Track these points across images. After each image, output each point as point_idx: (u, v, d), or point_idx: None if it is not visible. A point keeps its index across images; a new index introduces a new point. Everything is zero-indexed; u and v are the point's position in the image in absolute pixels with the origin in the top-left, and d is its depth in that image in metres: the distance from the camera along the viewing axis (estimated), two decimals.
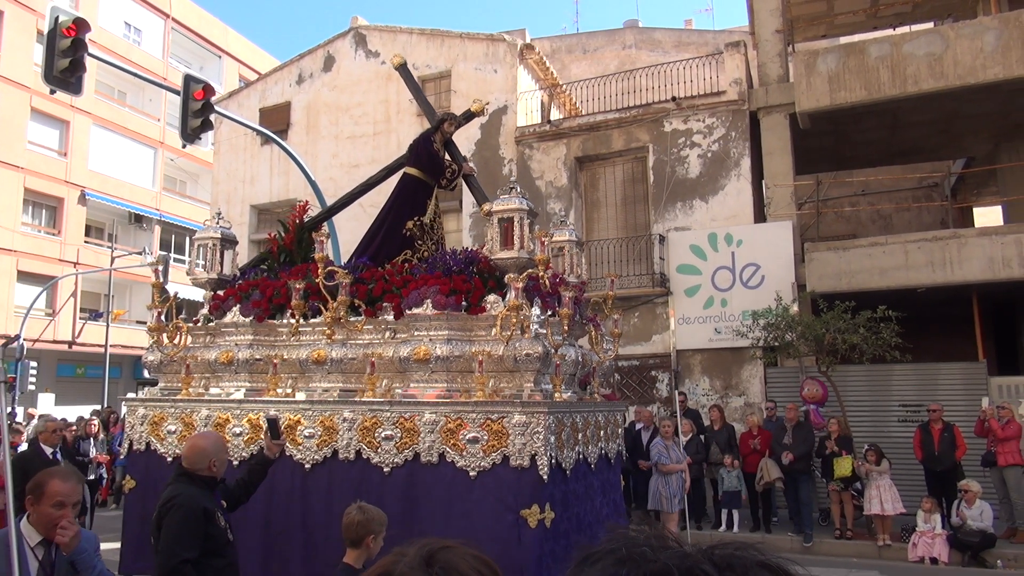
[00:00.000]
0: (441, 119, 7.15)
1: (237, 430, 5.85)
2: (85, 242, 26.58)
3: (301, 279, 5.94)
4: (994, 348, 14.22)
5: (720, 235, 13.78)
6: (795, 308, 12.27)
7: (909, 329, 10.94)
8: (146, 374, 28.46)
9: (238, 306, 6.34)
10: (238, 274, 7.00)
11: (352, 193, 8.12)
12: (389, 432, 5.24)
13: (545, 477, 4.79)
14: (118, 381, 26.59)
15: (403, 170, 7.15)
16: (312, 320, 5.97)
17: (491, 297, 5.57)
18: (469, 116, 7.65)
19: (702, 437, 11.21)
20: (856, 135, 15.03)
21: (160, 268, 6.72)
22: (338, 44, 18.91)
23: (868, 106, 13.24)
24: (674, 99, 14.94)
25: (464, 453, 4.99)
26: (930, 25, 16.62)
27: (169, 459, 6.01)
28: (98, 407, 20.94)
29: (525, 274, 5.36)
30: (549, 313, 5.68)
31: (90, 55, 9.85)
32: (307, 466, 5.49)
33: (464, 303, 5.53)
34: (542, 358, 5.13)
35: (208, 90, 11.18)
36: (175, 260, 28.23)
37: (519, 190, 5.78)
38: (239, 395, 6.06)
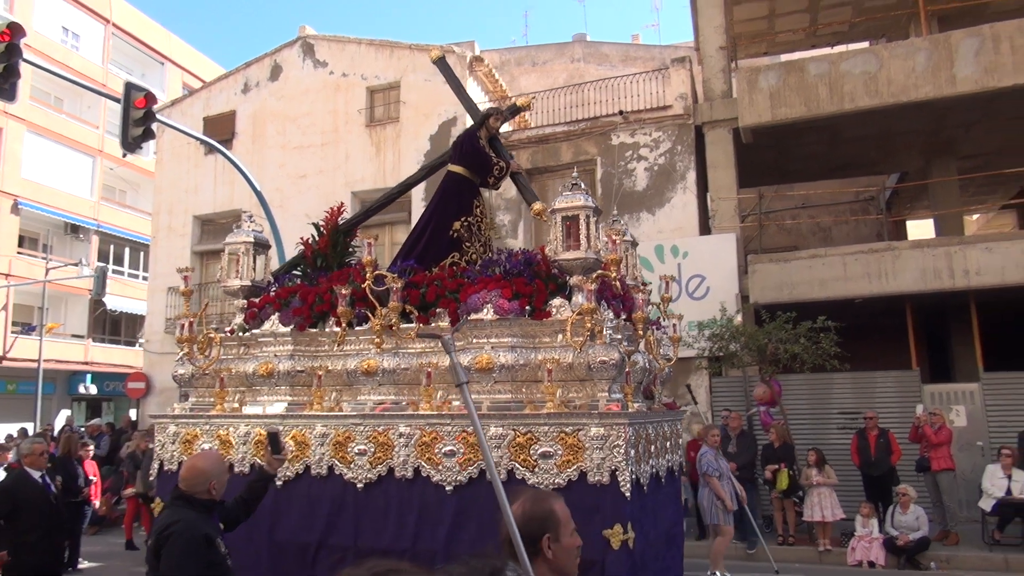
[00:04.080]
0: (486, 114, 6.78)
1: None
2: (18, 253, 25.63)
3: (346, 284, 5.58)
4: (927, 357, 14.76)
5: (666, 247, 14.04)
6: (739, 319, 12.56)
7: (847, 339, 11.31)
8: (81, 390, 27.49)
9: (277, 314, 5.92)
10: (272, 280, 6.61)
11: (391, 193, 7.81)
12: (451, 448, 4.90)
13: (628, 494, 4.46)
14: (51, 397, 25.66)
15: (447, 168, 6.74)
16: (357, 328, 5.57)
17: (556, 301, 5.21)
18: (515, 111, 7.29)
19: None
20: (797, 150, 15.50)
21: (188, 276, 6.23)
22: (285, 53, 18.73)
23: (808, 122, 13.68)
24: (621, 113, 15.19)
25: (536, 470, 4.67)
26: (865, 45, 17.26)
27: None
28: (29, 424, 20.18)
29: (596, 275, 5.01)
30: (623, 317, 5.39)
31: (25, 60, 9.58)
32: (359, 485, 5.15)
33: (528, 307, 5.20)
34: (618, 365, 4.82)
35: (150, 98, 10.96)
36: (114, 271, 27.44)
37: (583, 186, 5.40)
38: (280, 409, 5.66)
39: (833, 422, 12.27)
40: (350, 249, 6.97)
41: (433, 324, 5.39)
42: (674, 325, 6.23)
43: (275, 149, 18.27)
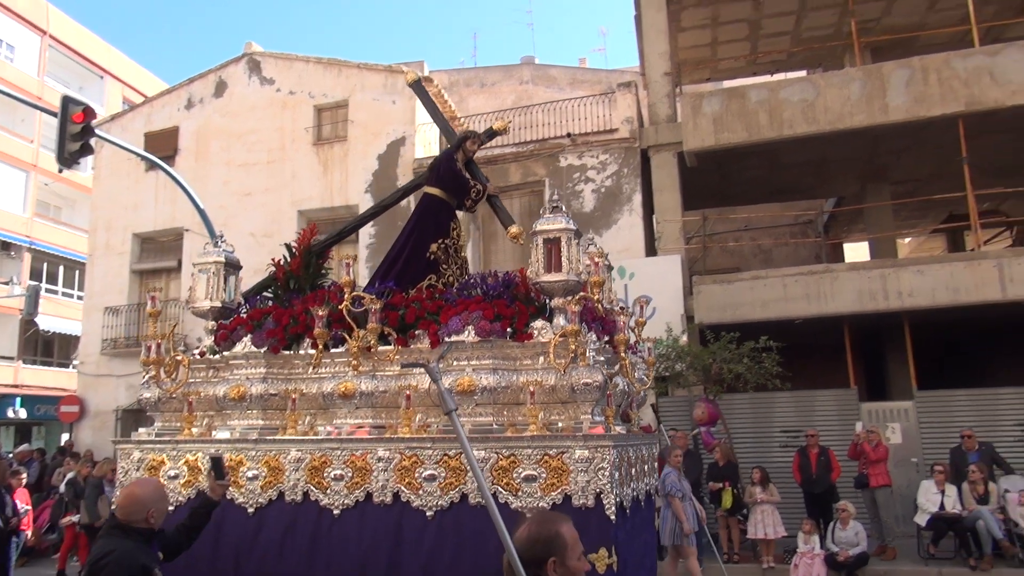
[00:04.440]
0: (463, 137, 6.78)
1: (252, 473, 5.31)
2: None
3: (323, 305, 5.49)
4: (864, 375, 15.21)
5: (613, 268, 14.18)
6: (684, 339, 12.75)
7: (789, 358, 11.59)
8: (9, 414, 26.28)
9: (249, 336, 5.79)
10: (242, 302, 6.46)
11: (364, 215, 7.73)
12: (431, 472, 4.85)
13: (613, 517, 4.45)
14: None
15: (424, 190, 6.72)
16: (333, 350, 5.51)
17: (538, 323, 5.21)
18: (492, 134, 7.31)
19: None
20: (739, 173, 15.90)
21: (155, 296, 6.03)
22: (231, 69, 18.47)
23: (749, 147, 14.06)
24: (569, 135, 15.39)
25: (519, 493, 4.63)
26: (803, 73, 17.88)
27: (171, 508, 5.56)
28: None
29: (578, 297, 5.03)
30: (606, 339, 5.39)
31: None
32: (336, 512, 5.04)
33: (509, 329, 5.17)
34: (601, 387, 4.83)
35: (88, 113, 10.67)
36: (47, 290, 26.45)
37: (564, 208, 5.45)
38: (252, 434, 5.51)
39: (776, 440, 12.52)
40: (322, 271, 6.89)
41: (413, 346, 5.37)
42: (648, 348, 6.27)
43: (219, 166, 17.94)
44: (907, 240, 23.59)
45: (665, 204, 14.46)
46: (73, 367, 23.62)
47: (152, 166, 16.63)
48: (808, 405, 12.71)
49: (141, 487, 3.74)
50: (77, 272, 27.41)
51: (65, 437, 19.58)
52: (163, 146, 18.09)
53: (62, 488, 12.21)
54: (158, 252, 18.72)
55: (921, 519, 10.22)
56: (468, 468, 4.71)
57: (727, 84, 18.74)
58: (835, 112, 13.35)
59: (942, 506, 10.04)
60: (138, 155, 14.70)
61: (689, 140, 13.98)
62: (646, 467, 5.67)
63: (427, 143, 17.01)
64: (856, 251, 21.25)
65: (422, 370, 5.24)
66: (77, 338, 21.43)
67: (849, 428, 11.74)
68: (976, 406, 12.22)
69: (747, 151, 14.38)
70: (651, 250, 14.82)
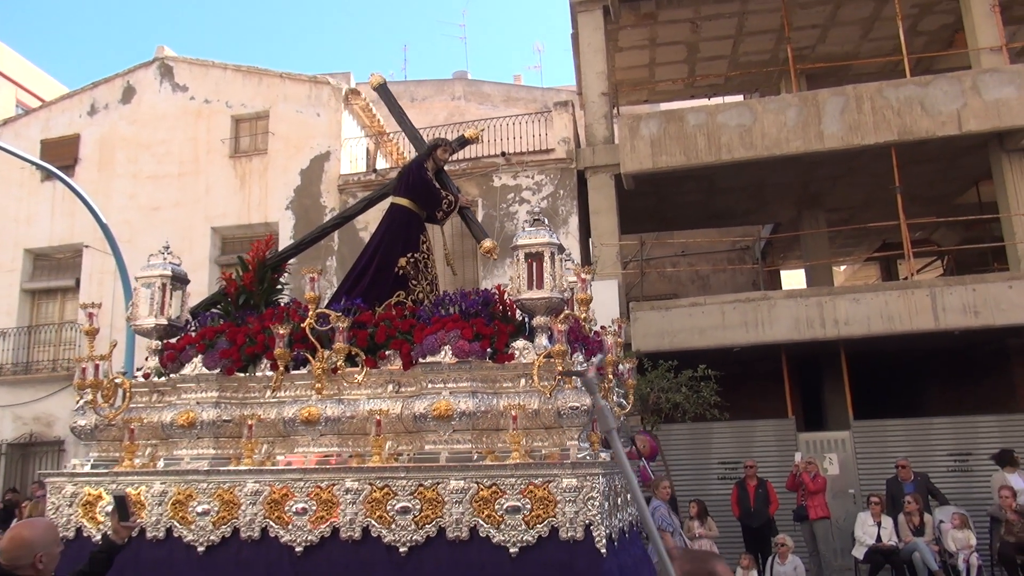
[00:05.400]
0: (433, 145, 6.69)
1: (202, 507, 5.03)
2: None
3: (283, 323, 5.28)
4: (801, 405, 15.66)
5: None
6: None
7: (727, 387, 11.82)
8: None
9: (200, 356, 5.55)
10: (190, 319, 6.21)
11: (325, 227, 7.55)
12: (405, 504, 4.71)
13: (604, 550, 4.35)
14: None
15: (391, 201, 6.59)
16: (294, 372, 5.32)
17: (519, 343, 5.14)
18: (463, 142, 7.21)
19: None
20: (677, 197, 16.28)
21: (94, 313, 5.69)
22: (140, 74, 17.95)
23: (687, 170, 14.43)
24: (504, 154, 15.49)
25: (502, 526, 4.52)
26: (740, 98, 18.52)
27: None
28: None
29: (565, 315, 4.94)
30: (593, 360, 5.31)
31: None
32: (298, 549, 4.84)
33: (489, 350, 5.07)
34: (589, 412, 4.69)
35: None
36: None
37: (546, 222, 5.36)
38: (203, 464, 5.23)
39: (714, 472, 12.72)
40: (278, 286, 6.71)
41: (384, 367, 5.26)
42: (628, 370, 6.20)
43: (125, 178, 17.35)
44: (842, 268, 24.55)
45: (602, 227, 14.66)
46: None
47: (49, 176, 15.95)
48: (747, 435, 12.98)
49: (29, 528, 3.49)
50: None
51: None
52: (62, 155, 17.37)
53: None
54: (53, 270, 17.90)
55: (859, 552, 10.50)
56: (633, 500, 4.50)
57: (664, 106, 19.26)
58: (772, 138, 13.84)
59: (879, 538, 10.33)
60: (33, 163, 14.08)
61: (627, 162, 14.25)
62: (628, 497, 5.65)
63: (354, 159, 16.86)
64: (793, 278, 21.98)
65: (392, 392, 5.19)
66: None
67: (787, 459, 12.03)
68: (911, 435, 12.73)
69: (685, 175, 14.75)
70: None
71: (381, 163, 17.95)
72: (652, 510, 8.54)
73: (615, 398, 5.97)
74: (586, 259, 15.24)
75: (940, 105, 13.43)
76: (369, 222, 13.69)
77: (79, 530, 5.39)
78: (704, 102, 17.76)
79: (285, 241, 14.74)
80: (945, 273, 18.63)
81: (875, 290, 13.64)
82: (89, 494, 5.42)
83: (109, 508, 5.17)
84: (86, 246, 16.92)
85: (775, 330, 13.05)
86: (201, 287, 12.34)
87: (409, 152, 17.12)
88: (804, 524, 11.02)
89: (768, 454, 12.57)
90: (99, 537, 5.11)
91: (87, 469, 5.60)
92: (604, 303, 13.95)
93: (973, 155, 14.37)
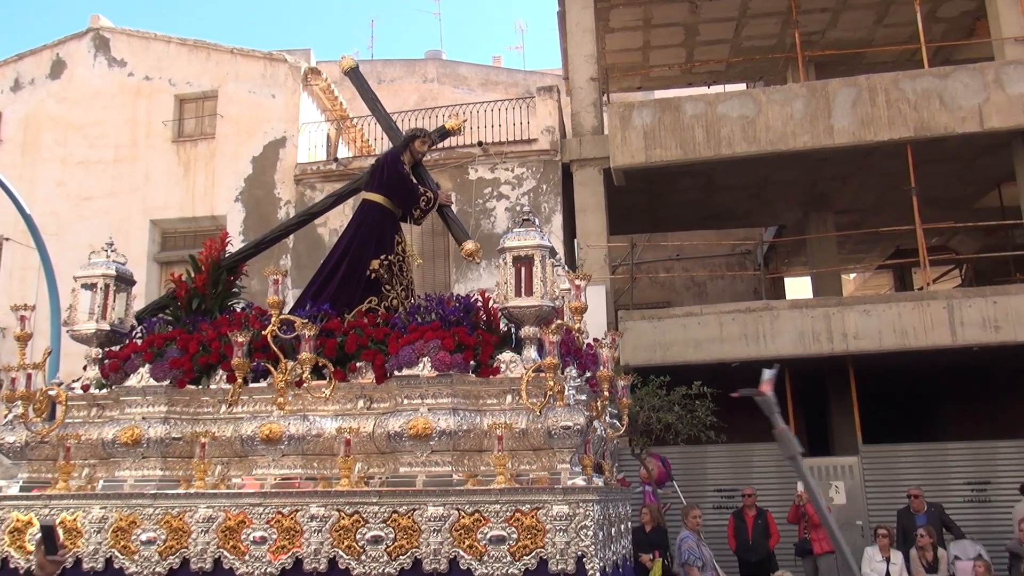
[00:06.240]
0: (411, 135, 6.73)
1: (147, 536, 4.98)
2: None
3: (242, 330, 5.26)
4: (805, 427, 15.75)
5: None
6: None
7: (724, 407, 11.82)
8: None
9: (147, 366, 5.53)
10: (136, 325, 6.19)
11: (288, 224, 7.59)
12: (377, 532, 4.69)
13: None
14: None
15: (363, 196, 6.60)
16: (253, 385, 5.31)
17: (506, 355, 5.15)
18: (444, 133, 7.28)
19: None
20: (671, 195, 16.34)
21: (25, 316, 5.64)
22: (72, 46, 17.72)
23: (683, 166, 14.48)
24: (480, 144, 15.45)
25: (485, 558, 4.53)
26: (743, 86, 18.62)
27: None
28: None
29: (557, 324, 4.93)
30: (588, 375, 5.33)
31: None
32: None
33: (473, 362, 5.09)
34: (583, 432, 4.74)
35: None
36: None
37: (536, 223, 5.40)
38: (149, 487, 5.20)
39: (709, 500, 12.74)
40: (234, 289, 6.69)
41: (354, 380, 5.27)
42: (623, 388, 6.24)
43: (52, 163, 17.09)
44: (852, 276, 24.78)
45: (589, 227, 14.66)
46: None
47: None
48: (745, 460, 13.03)
49: None
50: None
51: None
52: None
53: None
54: None
55: None
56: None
57: (659, 94, 19.33)
58: (777, 131, 13.92)
59: (888, 575, 10.40)
60: None
61: (617, 156, 14.27)
62: (622, 528, 5.68)
63: (312, 146, 16.74)
64: (798, 287, 22.13)
65: (362, 408, 5.19)
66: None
67: (789, 486, 12.06)
68: (924, 462, 12.84)
69: (681, 170, 14.80)
70: None
71: (343, 151, 17.84)
72: (679, 542, 8.62)
73: (607, 418, 5.99)
74: (571, 262, 15.23)
75: (960, 99, 13.59)
76: (329, 217, 13.62)
77: (5, 560, 5.35)
78: (703, 90, 17.86)
79: (234, 237, 14.57)
80: (963, 283, 18.85)
81: (887, 301, 13.76)
82: (17, 520, 5.39)
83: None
84: (6, 239, 16.67)
85: (778, 344, 13.11)
86: (138, 287, 12.14)
87: (377, 140, 17.07)
88: (807, 559, 11.05)
89: (768, 481, 12.61)
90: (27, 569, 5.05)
91: (15, 492, 5.58)
92: (590, 311, 13.78)
93: (995, 154, 14.55)
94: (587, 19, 15.70)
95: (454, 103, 17.59)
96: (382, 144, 17.16)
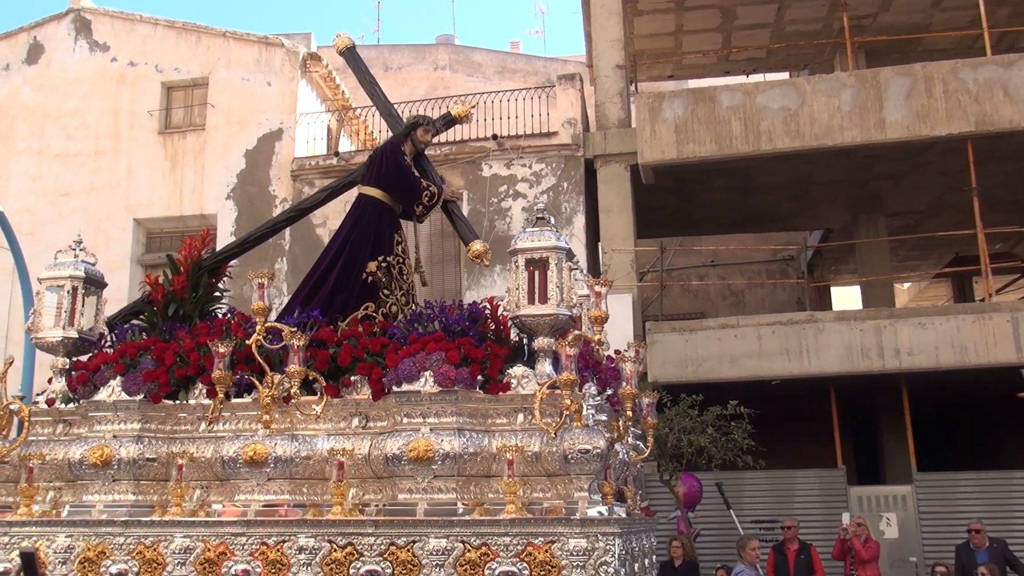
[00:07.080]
0: (413, 124, 6.74)
1: (118, 567, 5.02)
2: None
3: (224, 339, 5.27)
4: (853, 452, 15.69)
5: None
6: None
7: (762, 429, 11.82)
8: None
9: (119, 379, 5.53)
10: (105, 332, 6.19)
11: (276, 221, 7.63)
12: (373, 567, 4.68)
13: None
14: None
15: (359, 191, 6.61)
16: (235, 400, 5.33)
17: (517, 370, 5.12)
18: (450, 121, 7.32)
19: None
20: (705, 195, 16.35)
21: None
22: (51, 29, 17.92)
23: (719, 162, 14.50)
24: (495, 137, 15.51)
25: None
26: (785, 75, 18.62)
27: None
28: None
29: (575, 335, 4.91)
30: (609, 392, 5.32)
31: None
32: None
33: (480, 377, 5.07)
34: (603, 456, 4.71)
35: None
36: None
37: (552, 222, 5.33)
38: (120, 513, 5.23)
39: (746, 532, 12.70)
40: (216, 293, 6.72)
41: (348, 396, 5.25)
42: (648, 406, 6.13)
43: (27, 155, 17.28)
44: (906, 286, 24.65)
45: (614, 229, 14.68)
46: None
47: None
48: (786, 488, 13.00)
49: None
50: None
51: None
52: None
53: None
54: None
55: None
56: (423, 561, 4.58)
57: (692, 84, 19.34)
58: (823, 125, 13.92)
59: None
60: None
61: (645, 151, 14.30)
62: (647, 562, 5.64)
63: (311, 139, 16.86)
64: (845, 296, 22.04)
65: (357, 427, 5.19)
66: None
67: (835, 518, 12.01)
68: (986, 492, 12.76)
69: (716, 168, 14.81)
70: None
71: (345, 144, 17.95)
72: (735, 575, 8.67)
73: (630, 440, 5.97)
74: (594, 268, 15.27)
75: None
76: (329, 216, 13.74)
77: None
78: (741, 80, 17.85)
79: (225, 238, 14.72)
80: None
81: (945, 313, 13.71)
82: None
83: (12, 567, 5.18)
84: None
85: (823, 360, 13.08)
86: (120, 292, 12.29)
87: (381, 132, 17.14)
88: None
89: (812, 512, 12.58)
90: None
91: None
92: (615, 322, 13.90)
93: None
94: (613, 0, 15.75)
95: (467, 92, 17.67)
96: (387, 137, 17.28)
